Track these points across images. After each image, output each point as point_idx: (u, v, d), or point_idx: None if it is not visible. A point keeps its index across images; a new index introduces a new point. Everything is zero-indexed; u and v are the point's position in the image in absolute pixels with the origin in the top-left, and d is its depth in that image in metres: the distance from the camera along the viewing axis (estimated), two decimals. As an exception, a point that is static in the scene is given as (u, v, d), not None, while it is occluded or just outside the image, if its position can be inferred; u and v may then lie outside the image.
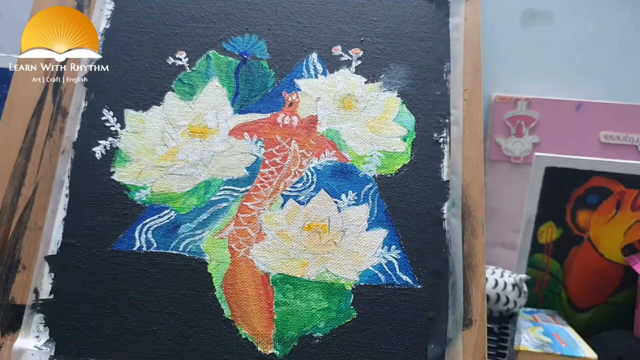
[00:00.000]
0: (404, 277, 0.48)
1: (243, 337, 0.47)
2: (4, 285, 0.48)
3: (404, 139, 0.52)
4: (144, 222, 0.50)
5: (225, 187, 0.51)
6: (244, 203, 0.50)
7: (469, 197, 0.51)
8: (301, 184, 0.51)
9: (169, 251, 0.49)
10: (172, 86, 0.54)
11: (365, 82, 0.54)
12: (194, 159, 0.52)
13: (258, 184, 0.51)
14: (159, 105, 0.53)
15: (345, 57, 0.55)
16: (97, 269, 0.48)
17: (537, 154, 0.71)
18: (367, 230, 0.50)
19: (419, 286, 0.48)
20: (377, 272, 0.48)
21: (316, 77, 0.54)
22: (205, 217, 0.50)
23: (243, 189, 0.51)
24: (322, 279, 0.48)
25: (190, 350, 0.46)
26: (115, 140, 0.52)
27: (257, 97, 0.54)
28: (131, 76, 0.54)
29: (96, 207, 0.50)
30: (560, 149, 0.74)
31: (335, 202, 0.50)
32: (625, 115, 0.74)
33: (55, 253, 0.49)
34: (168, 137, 0.52)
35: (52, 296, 0.48)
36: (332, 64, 0.55)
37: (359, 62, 0.55)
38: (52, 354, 0.46)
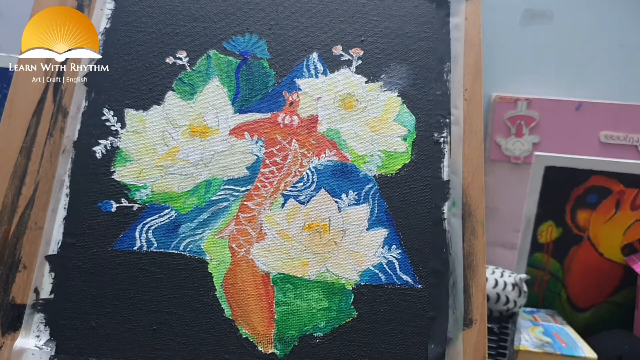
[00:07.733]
0: (405, 277, 0.48)
1: (243, 336, 0.47)
2: (4, 284, 0.48)
3: (405, 139, 0.52)
4: (145, 222, 0.50)
5: (226, 186, 0.51)
6: (245, 203, 0.50)
7: (469, 196, 0.51)
8: (302, 184, 0.51)
9: (170, 251, 0.49)
10: (173, 86, 0.54)
11: (366, 82, 0.54)
12: (195, 158, 0.52)
13: (258, 184, 0.51)
14: (159, 104, 0.53)
15: (346, 57, 0.55)
16: (97, 268, 0.48)
17: (536, 153, 0.71)
18: (367, 229, 0.50)
19: (420, 286, 0.48)
20: (377, 271, 0.48)
21: (317, 76, 0.54)
22: (206, 217, 0.50)
23: (243, 189, 0.51)
24: (322, 279, 0.48)
25: (191, 350, 0.46)
26: (116, 140, 0.52)
27: (258, 96, 0.54)
28: (131, 76, 0.54)
29: (97, 206, 0.50)
30: (560, 148, 0.74)
31: (336, 201, 0.50)
32: (625, 115, 0.74)
33: (55, 253, 0.49)
34: (168, 137, 0.52)
35: (52, 296, 0.48)
36: (332, 64, 0.55)
37: (360, 61, 0.55)
38: (53, 353, 0.46)
